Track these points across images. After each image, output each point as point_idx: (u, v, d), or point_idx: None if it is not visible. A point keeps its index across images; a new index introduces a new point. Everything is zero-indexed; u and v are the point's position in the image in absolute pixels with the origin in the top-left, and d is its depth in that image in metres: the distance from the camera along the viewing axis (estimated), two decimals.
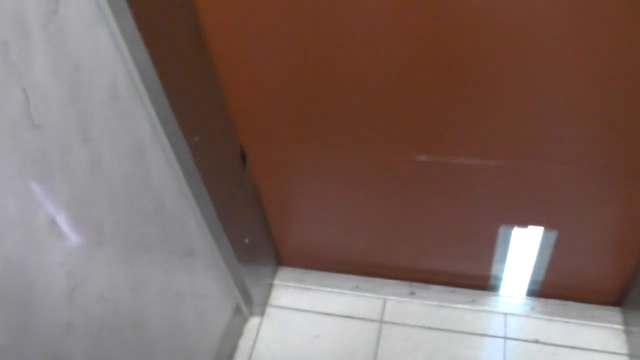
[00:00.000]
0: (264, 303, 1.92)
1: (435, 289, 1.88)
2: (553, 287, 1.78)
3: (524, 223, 1.58)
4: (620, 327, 1.73)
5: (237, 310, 1.83)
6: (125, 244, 1.19)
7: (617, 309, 1.77)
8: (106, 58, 1.08)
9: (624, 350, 1.68)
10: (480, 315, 1.81)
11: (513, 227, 1.59)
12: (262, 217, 1.81)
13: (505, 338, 1.75)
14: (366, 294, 1.90)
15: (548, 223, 1.56)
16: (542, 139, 1.34)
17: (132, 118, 1.18)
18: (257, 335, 1.85)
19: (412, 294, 1.88)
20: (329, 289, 1.94)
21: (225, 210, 1.52)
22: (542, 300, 1.82)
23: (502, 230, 1.61)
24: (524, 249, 1.65)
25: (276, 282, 1.98)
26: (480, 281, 1.83)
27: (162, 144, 1.29)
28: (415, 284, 1.90)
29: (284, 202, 1.76)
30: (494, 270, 1.76)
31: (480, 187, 1.51)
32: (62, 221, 0.99)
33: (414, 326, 1.81)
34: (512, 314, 1.80)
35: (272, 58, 1.32)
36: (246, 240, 1.70)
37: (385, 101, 1.35)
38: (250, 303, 1.84)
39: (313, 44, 1.27)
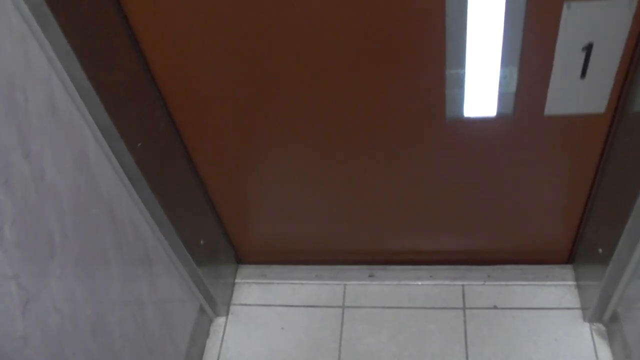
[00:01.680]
0: (228, 302, 1.93)
1: (393, 268, 1.92)
2: (508, 252, 1.84)
3: None
4: (573, 283, 1.80)
5: (202, 311, 1.84)
6: (78, 254, 1.19)
7: (569, 266, 1.84)
8: (40, 71, 1.08)
9: (578, 305, 1.75)
10: (438, 289, 1.86)
11: None
12: (216, 217, 1.82)
13: (465, 308, 1.80)
14: (327, 282, 1.93)
15: None
16: None
17: (73, 129, 1.18)
18: (223, 334, 1.86)
19: (371, 276, 1.91)
20: (290, 281, 1.96)
21: (176, 213, 1.53)
22: (498, 266, 1.87)
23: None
24: None
25: (238, 280, 1.99)
26: (437, 255, 1.88)
27: (106, 153, 1.30)
28: (374, 267, 1.94)
29: (237, 200, 1.78)
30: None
31: None
32: (9, 235, 0.99)
33: (375, 307, 1.84)
34: (470, 284, 1.85)
35: (209, 57, 1.33)
36: (202, 242, 1.71)
37: (325, 95, 1.39)
38: (213, 303, 1.85)
39: (247, 43, 1.29)
